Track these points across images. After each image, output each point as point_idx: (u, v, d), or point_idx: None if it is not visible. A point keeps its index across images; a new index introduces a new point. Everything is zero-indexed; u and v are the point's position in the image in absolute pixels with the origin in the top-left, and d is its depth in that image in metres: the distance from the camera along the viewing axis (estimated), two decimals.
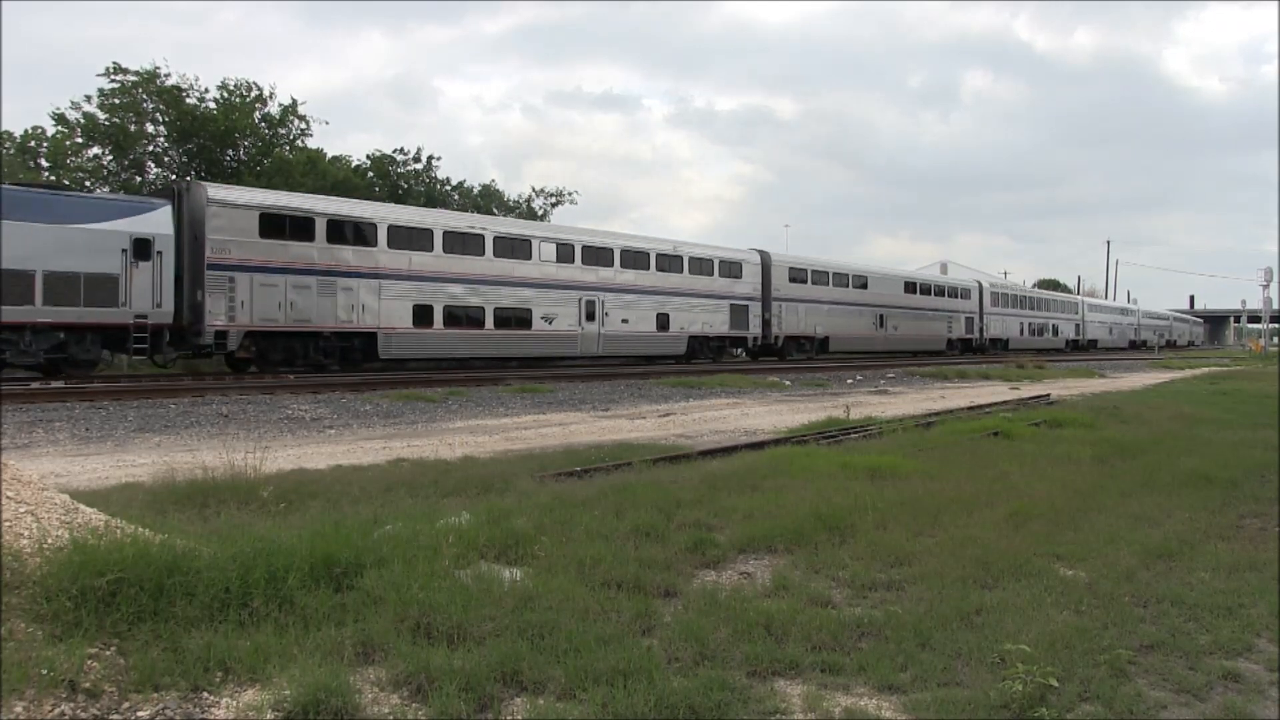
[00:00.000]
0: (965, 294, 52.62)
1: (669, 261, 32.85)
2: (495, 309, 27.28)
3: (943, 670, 4.06)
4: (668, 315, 32.44)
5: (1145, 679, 4.12)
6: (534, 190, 49.96)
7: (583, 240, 30.46)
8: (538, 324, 28.37)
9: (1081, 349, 67.07)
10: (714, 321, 34.47)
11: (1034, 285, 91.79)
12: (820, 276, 40.33)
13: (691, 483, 8.01)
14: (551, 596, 4.69)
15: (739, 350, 38.32)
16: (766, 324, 37.25)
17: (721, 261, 35.29)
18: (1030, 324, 60.15)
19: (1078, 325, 68.88)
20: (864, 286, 43.11)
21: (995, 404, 18.91)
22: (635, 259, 31.68)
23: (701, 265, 34.21)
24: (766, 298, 37.41)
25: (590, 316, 29.87)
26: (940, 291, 50.24)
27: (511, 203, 48.18)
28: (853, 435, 12.63)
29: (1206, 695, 4.00)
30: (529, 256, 28.36)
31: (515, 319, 27.88)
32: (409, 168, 43.58)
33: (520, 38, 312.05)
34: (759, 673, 4.01)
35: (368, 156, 43.28)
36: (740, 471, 8.72)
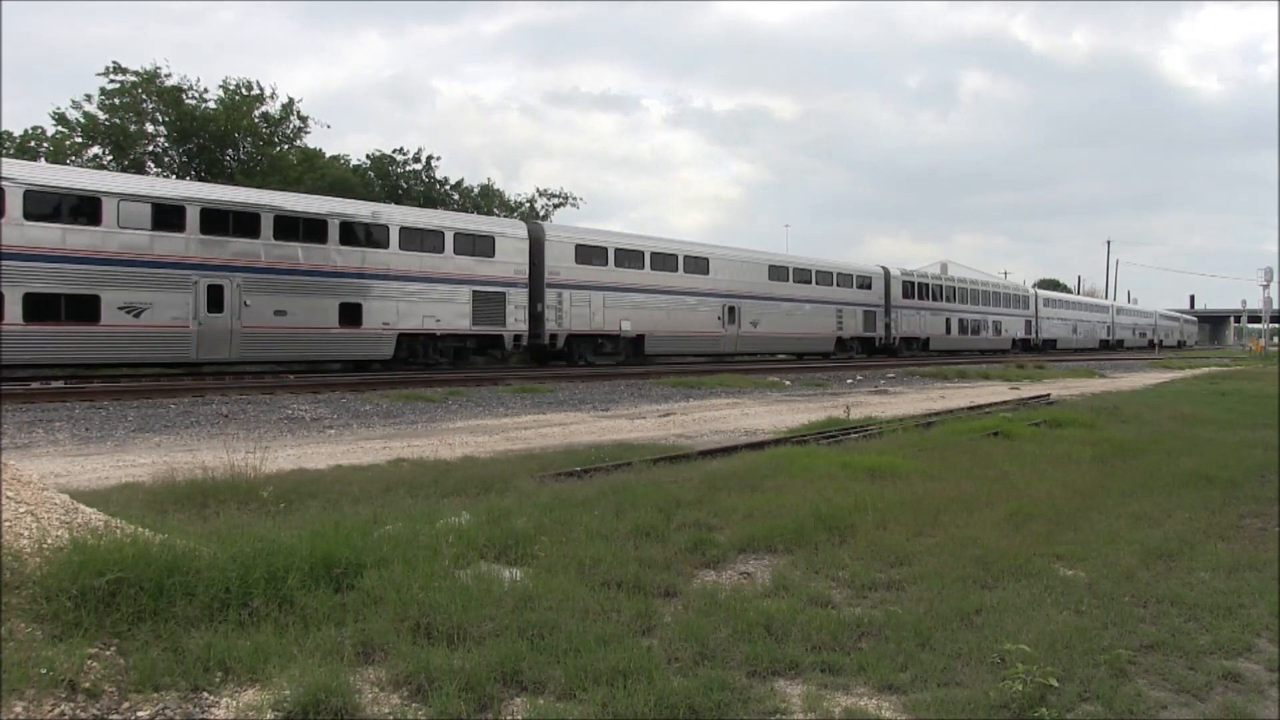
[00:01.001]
0: (865, 282, 42.48)
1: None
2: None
3: (943, 670, 4.06)
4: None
5: (1145, 679, 4.12)
6: (537, 191, 50.03)
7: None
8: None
9: (1036, 349, 58.06)
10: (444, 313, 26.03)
11: (1034, 285, 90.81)
12: (629, 257, 31.01)
13: (691, 483, 8.01)
14: (551, 596, 4.69)
15: (498, 352, 29.75)
16: (538, 317, 28.46)
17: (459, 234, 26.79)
18: (961, 320, 50.29)
19: (1029, 322, 59.89)
20: (702, 270, 33.80)
21: (995, 404, 18.90)
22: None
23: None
24: (539, 284, 28.58)
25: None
26: (826, 279, 40.29)
27: (513, 203, 48.19)
28: (853, 435, 12.63)
29: (1206, 695, 3.99)
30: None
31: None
32: (408, 168, 43.62)
33: (518, 38, 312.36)
34: (759, 673, 4.01)
35: (367, 156, 43.38)
36: (740, 471, 8.71)
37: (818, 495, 7.45)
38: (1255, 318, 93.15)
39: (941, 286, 49.67)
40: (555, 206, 49.14)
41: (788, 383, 25.62)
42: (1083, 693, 3.90)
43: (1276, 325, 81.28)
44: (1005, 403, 19.36)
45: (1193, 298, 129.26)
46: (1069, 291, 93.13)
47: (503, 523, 5.97)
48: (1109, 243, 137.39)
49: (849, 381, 27.69)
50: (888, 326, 43.77)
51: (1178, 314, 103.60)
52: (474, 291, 26.89)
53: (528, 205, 48.24)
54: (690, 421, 15.79)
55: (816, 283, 39.74)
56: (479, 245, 27.35)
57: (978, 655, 4.21)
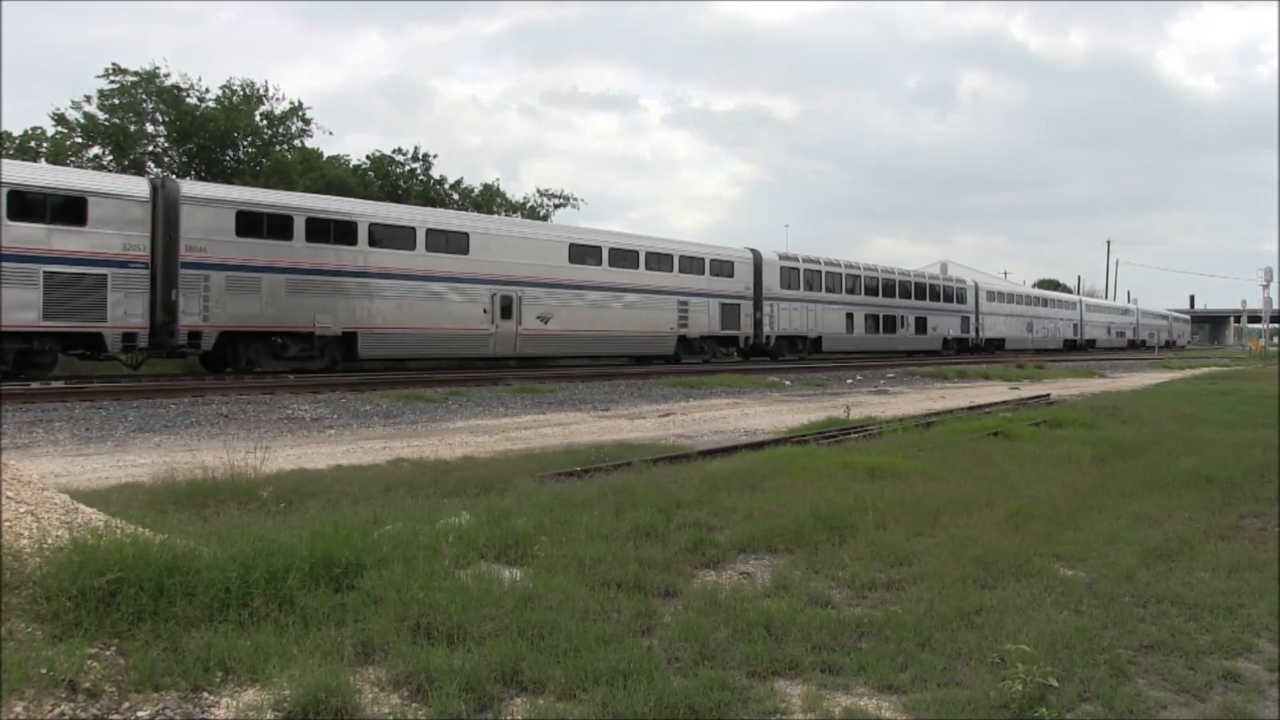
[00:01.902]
0: (723, 268, 35.08)
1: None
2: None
3: (943, 670, 4.06)
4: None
5: (1145, 679, 4.12)
6: (539, 191, 50.01)
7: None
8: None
9: (973, 350, 52.55)
10: None
11: (1034, 285, 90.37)
12: (340, 230, 23.70)
13: (691, 483, 8.01)
14: (551, 596, 4.69)
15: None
16: (758, 323, 35.16)
17: None
18: (870, 315, 43.30)
19: (967, 319, 53.01)
20: (460, 250, 26.11)
21: (995, 404, 18.90)
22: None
23: None
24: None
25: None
26: (664, 263, 32.49)
27: (514, 203, 48.16)
28: (853, 435, 12.63)
29: (1206, 695, 3.99)
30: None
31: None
32: (408, 168, 43.61)
33: (516, 38, 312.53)
34: (759, 673, 4.01)
35: (367, 157, 43.36)
36: (740, 471, 8.71)
37: (818, 495, 7.45)
38: (1255, 318, 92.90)
39: (841, 275, 41.53)
40: (556, 207, 49.16)
41: (788, 383, 25.63)
42: (1083, 693, 3.90)
43: (1276, 325, 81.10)
44: (1005, 403, 19.37)
45: (1193, 298, 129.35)
46: (1069, 291, 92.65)
47: (503, 523, 5.97)
48: (1109, 243, 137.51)
49: (849, 381, 27.70)
50: (758, 323, 36.32)
51: (1165, 312, 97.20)
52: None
53: (528, 205, 48.21)
54: (690, 421, 15.80)
55: (650, 266, 31.88)
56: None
57: (978, 655, 4.21)
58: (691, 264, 33.64)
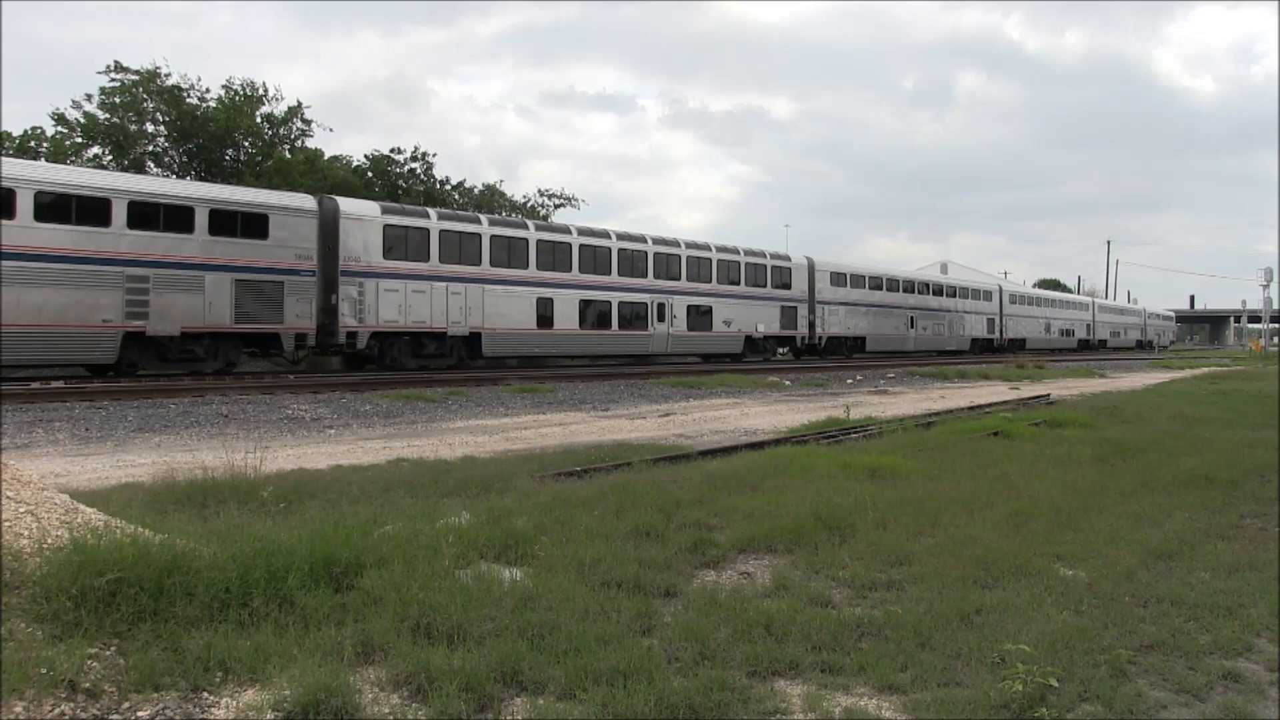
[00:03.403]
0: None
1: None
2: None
3: (943, 670, 4.06)
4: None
5: (1145, 679, 4.12)
6: (539, 191, 49.96)
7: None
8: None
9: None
10: None
11: (1033, 285, 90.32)
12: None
13: (691, 483, 8.01)
14: (551, 596, 4.69)
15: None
16: (811, 324, 40.03)
17: None
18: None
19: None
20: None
21: (995, 404, 18.91)
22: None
23: None
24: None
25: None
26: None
27: (515, 204, 48.11)
28: (853, 435, 12.63)
29: (1206, 695, 3.99)
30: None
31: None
32: (407, 168, 43.56)
33: (513, 39, 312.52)
34: (759, 673, 4.01)
35: (366, 156, 43.28)
36: (740, 471, 8.71)
37: (818, 495, 7.45)
38: (1255, 318, 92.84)
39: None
40: (556, 207, 49.12)
41: (788, 383, 25.62)
42: (1083, 693, 3.90)
43: (1276, 325, 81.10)
44: (1005, 403, 19.37)
45: (1193, 298, 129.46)
46: (1070, 291, 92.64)
47: (503, 523, 5.97)
48: (1109, 243, 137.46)
49: (849, 381, 27.69)
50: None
51: (1159, 312, 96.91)
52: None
53: (528, 206, 48.16)
54: (690, 421, 15.79)
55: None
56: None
57: (978, 655, 4.21)
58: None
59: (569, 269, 29.56)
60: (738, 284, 36.09)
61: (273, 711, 3.45)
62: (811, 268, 40.50)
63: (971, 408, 17.74)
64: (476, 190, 46.59)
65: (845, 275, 42.88)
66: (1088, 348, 70.59)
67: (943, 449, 10.79)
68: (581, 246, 30.16)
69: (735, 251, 36.62)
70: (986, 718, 3.64)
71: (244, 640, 3.95)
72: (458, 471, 8.91)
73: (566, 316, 29.33)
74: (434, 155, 44.57)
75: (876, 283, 44.96)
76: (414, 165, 43.61)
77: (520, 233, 28.78)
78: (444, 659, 3.85)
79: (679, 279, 33.64)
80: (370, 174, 42.29)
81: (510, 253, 27.92)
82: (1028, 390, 24.57)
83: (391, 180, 42.52)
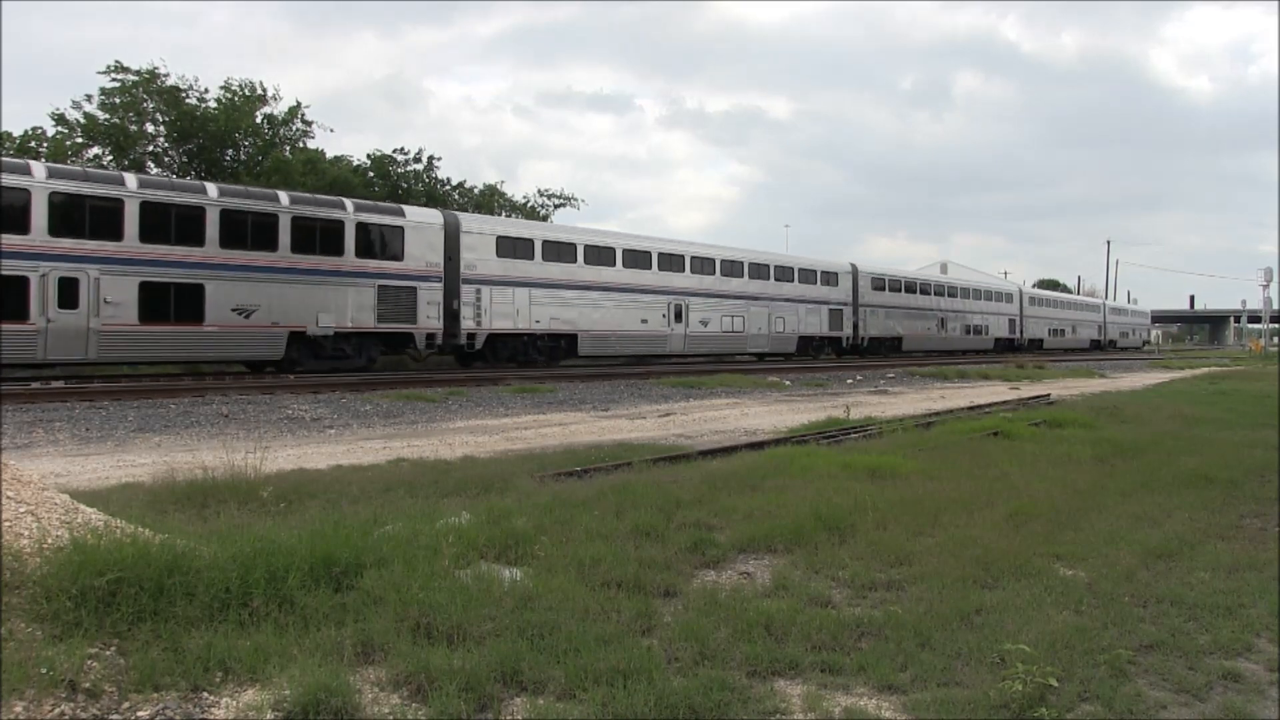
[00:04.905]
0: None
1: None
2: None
3: (943, 670, 4.06)
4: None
5: (1145, 679, 4.12)
6: (539, 191, 49.92)
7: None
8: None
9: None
10: None
11: (1034, 285, 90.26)
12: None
13: (691, 483, 8.01)
14: (551, 596, 4.69)
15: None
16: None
17: None
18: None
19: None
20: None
21: (995, 404, 18.90)
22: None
23: None
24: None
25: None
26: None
27: (515, 204, 48.08)
28: (853, 435, 12.63)
29: (1206, 695, 4.00)
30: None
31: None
32: (409, 168, 43.52)
33: (512, 39, 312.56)
34: (759, 673, 4.01)
35: (368, 156, 43.23)
36: (740, 471, 8.71)
37: (818, 495, 7.45)
38: (1255, 318, 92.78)
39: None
40: (556, 207, 49.10)
41: (788, 383, 25.62)
42: (1083, 693, 3.90)
43: (1276, 325, 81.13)
44: (1005, 403, 19.36)
45: (1192, 298, 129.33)
46: (1070, 292, 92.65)
47: (503, 523, 5.97)
48: (1109, 243, 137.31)
49: (849, 381, 27.68)
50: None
51: (1088, 304, 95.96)
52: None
53: (528, 206, 48.15)
54: (690, 421, 15.79)
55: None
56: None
57: (978, 655, 4.21)
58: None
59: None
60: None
61: (273, 711, 3.45)
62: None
63: (971, 408, 17.74)
64: (477, 191, 46.55)
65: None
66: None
67: (943, 449, 10.79)
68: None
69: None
70: (986, 718, 3.64)
71: (244, 640, 3.95)
72: (458, 471, 8.91)
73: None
74: (439, 159, 44.61)
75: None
76: (416, 166, 43.58)
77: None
78: (444, 659, 3.85)
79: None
80: (371, 174, 42.26)
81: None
82: (1027, 390, 24.57)
83: (393, 180, 42.48)
